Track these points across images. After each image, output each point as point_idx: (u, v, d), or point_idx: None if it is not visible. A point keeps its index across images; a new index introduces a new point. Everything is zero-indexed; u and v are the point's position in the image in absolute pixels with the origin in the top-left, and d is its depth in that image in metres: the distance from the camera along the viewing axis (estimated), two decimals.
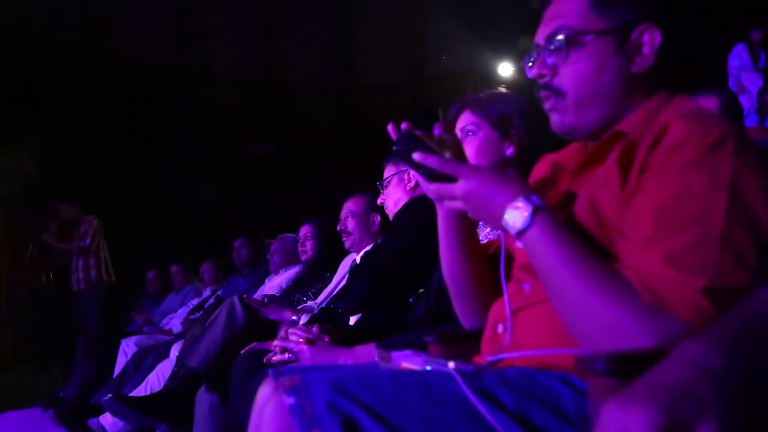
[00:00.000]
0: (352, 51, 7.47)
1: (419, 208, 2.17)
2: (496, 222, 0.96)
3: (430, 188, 1.03)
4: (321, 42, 7.13)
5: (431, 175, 1.01)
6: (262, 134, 7.83)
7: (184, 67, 6.83)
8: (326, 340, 1.73)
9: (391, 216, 2.44)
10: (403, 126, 1.09)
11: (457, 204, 1.00)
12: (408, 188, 2.40)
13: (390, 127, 1.11)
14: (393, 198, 2.41)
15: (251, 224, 6.70)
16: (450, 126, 1.14)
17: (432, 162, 1.00)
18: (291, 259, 4.01)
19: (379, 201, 2.46)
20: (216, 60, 6.93)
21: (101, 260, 6.13)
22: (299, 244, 3.61)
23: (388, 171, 2.45)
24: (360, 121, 7.46)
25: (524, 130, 1.68)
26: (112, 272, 6.22)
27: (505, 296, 1.07)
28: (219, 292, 5.05)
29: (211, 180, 7.73)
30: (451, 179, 0.99)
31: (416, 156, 1.01)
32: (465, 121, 1.69)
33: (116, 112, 6.76)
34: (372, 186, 2.53)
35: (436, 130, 1.11)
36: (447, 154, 1.07)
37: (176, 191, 7.49)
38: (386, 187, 2.43)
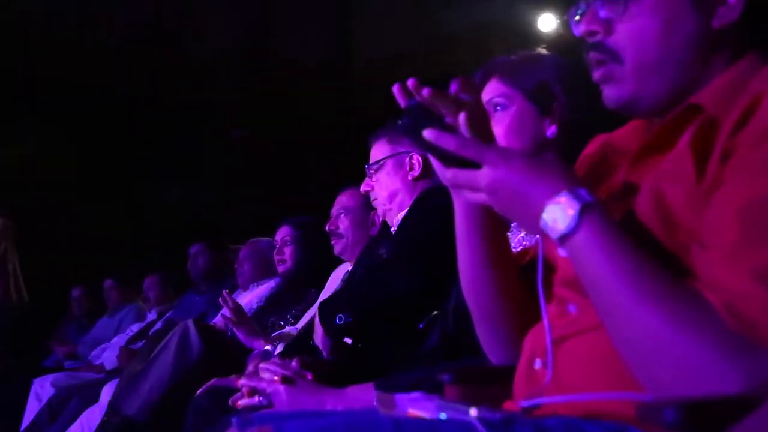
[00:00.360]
0: (350, 14, 7.54)
1: (435, 202, 2.19)
2: (532, 223, 0.97)
3: (446, 175, 1.03)
4: (316, 13, 7.27)
5: (448, 158, 1.01)
6: (241, 117, 7.95)
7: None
8: (309, 377, 1.74)
9: (381, 211, 2.48)
10: (410, 83, 1.08)
11: (481, 197, 1.00)
12: (409, 177, 2.42)
13: (396, 89, 1.10)
14: (386, 188, 2.44)
15: (219, 225, 6.79)
16: (471, 86, 1.13)
17: (448, 142, 1.00)
18: (265, 270, 4.03)
19: (363, 188, 2.50)
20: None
21: (9, 274, 6.15)
22: (275, 251, 3.63)
23: (380, 150, 2.47)
24: (361, 103, 7.53)
25: (569, 103, 1.69)
26: (23, 289, 6.24)
27: (545, 321, 1.07)
28: (168, 315, 5.07)
29: (175, 171, 7.87)
30: (473, 165, 1.00)
31: (428, 134, 1.01)
32: (493, 91, 1.70)
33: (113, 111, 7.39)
34: None
35: (453, 87, 1.10)
36: (464, 122, 1.07)
37: (131, 184, 7.79)
38: (376, 172, 2.45)
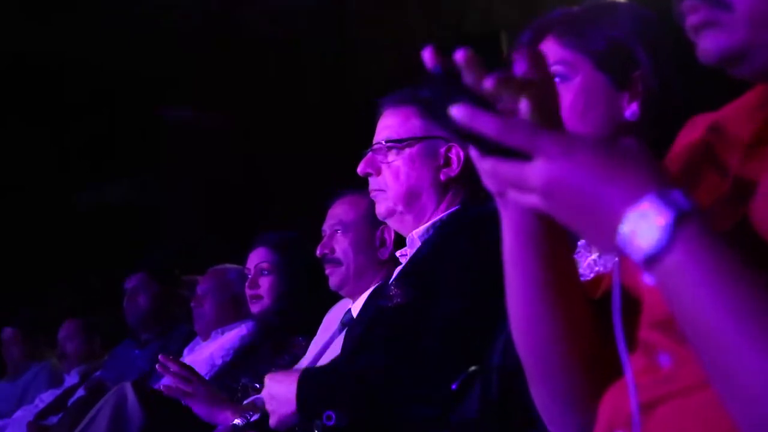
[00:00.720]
0: None
1: (487, 238, 2.20)
2: (606, 238, 0.96)
3: (484, 167, 1.04)
4: None
5: (486, 144, 1.01)
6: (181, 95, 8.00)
7: None
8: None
9: (383, 210, 2.48)
10: (459, 56, 1.06)
11: (532, 199, 1.00)
12: (442, 176, 2.43)
13: (428, 55, 1.08)
14: (405, 180, 2.45)
15: (167, 248, 6.81)
16: (540, 60, 1.12)
17: (487, 123, 0.99)
18: (233, 311, 4.05)
19: (362, 168, 2.52)
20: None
21: None
22: (247, 284, 3.64)
23: (403, 122, 2.47)
24: (362, 74, 7.57)
25: (656, 72, 1.70)
26: None
27: (629, 378, 1.08)
28: (95, 376, 5.07)
29: (104, 166, 7.93)
30: (521, 155, 1.00)
31: (457, 111, 1.01)
32: (549, 57, 1.71)
33: None
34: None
35: (519, 65, 1.09)
36: (528, 111, 1.08)
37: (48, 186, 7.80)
38: (392, 151, 2.46)
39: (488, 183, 1.09)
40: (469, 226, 2.32)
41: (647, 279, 0.97)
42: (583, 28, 1.73)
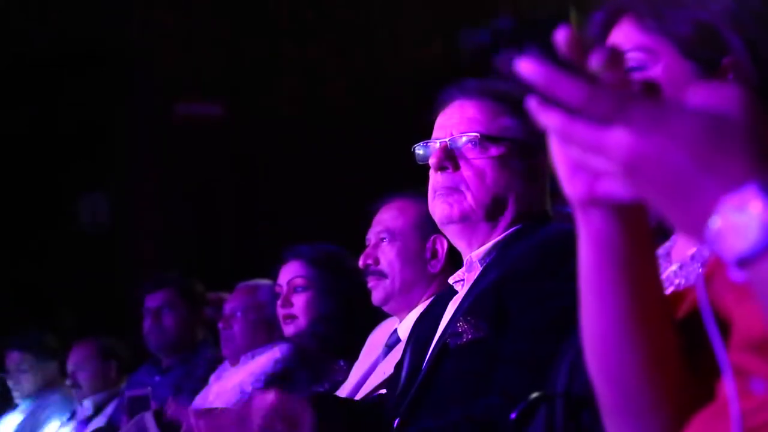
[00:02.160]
0: None
1: (557, 253, 2.20)
2: (695, 228, 0.95)
3: (551, 121, 1.01)
4: None
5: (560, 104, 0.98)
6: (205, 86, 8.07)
7: None
8: None
9: (456, 228, 2.43)
10: (562, 34, 1.01)
11: (607, 168, 0.99)
12: (522, 188, 2.41)
13: (562, 35, 1.04)
14: (488, 189, 2.39)
15: (191, 260, 6.87)
16: (618, 59, 1.10)
17: (568, 86, 0.97)
18: (265, 333, 4.07)
19: (446, 185, 2.44)
20: None
21: None
22: (280, 302, 3.65)
23: (486, 121, 2.44)
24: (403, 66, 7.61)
25: (751, 58, 1.69)
26: None
27: (732, 404, 1.07)
28: (111, 406, 5.10)
29: (117, 178, 7.97)
30: (602, 120, 0.97)
31: (528, 67, 0.98)
32: (625, 42, 1.71)
33: None
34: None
35: (595, 59, 1.06)
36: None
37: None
38: (468, 158, 2.42)
39: (554, 146, 1.08)
40: (539, 247, 2.29)
41: (735, 275, 0.94)
42: (666, 9, 1.72)
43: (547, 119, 1.00)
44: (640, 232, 1.16)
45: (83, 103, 8.04)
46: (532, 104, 1.02)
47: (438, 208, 2.45)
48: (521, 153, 2.42)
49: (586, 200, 1.11)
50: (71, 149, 8.10)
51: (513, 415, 1.84)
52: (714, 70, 1.70)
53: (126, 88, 7.99)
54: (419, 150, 2.49)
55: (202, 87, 8.11)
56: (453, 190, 2.43)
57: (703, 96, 0.97)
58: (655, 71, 1.69)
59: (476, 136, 2.40)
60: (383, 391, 2.79)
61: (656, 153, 0.95)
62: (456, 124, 2.45)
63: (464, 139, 2.41)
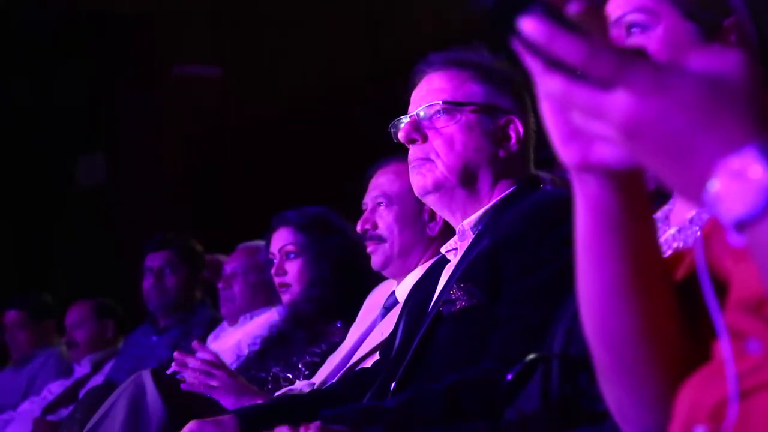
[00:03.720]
0: None
1: (563, 232, 2.20)
2: (694, 191, 0.94)
3: (551, 87, 0.99)
4: None
5: (559, 66, 0.97)
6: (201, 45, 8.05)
7: None
8: None
9: (429, 183, 2.43)
10: None
11: (605, 131, 0.98)
12: (501, 153, 2.42)
13: None
14: (457, 150, 2.40)
15: (184, 221, 6.86)
16: (597, 14, 1.09)
17: (568, 44, 0.96)
18: (264, 294, 4.09)
19: (404, 133, 2.44)
20: None
21: None
22: (274, 271, 3.66)
23: (458, 85, 2.45)
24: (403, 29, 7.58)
25: (753, 19, 1.68)
26: None
27: (729, 364, 1.06)
28: (108, 366, 5.11)
29: (114, 139, 7.96)
30: (601, 82, 0.96)
31: (528, 23, 0.95)
32: (626, 3, 1.70)
33: None
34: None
35: (574, 5, 1.05)
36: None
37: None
38: (444, 116, 2.43)
39: (549, 108, 1.07)
40: (531, 212, 2.29)
41: (734, 240, 0.94)
42: None
43: (549, 83, 0.99)
44: (636, 196, 1.16)
45: (82, 65, 8.03)
46: (535, 68, 1.01)
47: (413, 180, 2.47)
48: (490, 117, 2.43)
49: (581, 166, 1.10)
50: (69, 110, 8.09)
51: (509, 377, 1.86)
52: (715, 31, 1.69)
53: (124, 49, 7.96)
54: (393, 129, 2.51)
55: (201, 48, 8.08)
56: (424, 160, 2.44)
57: (704, 59, 0.97)
58: (656, 33, 1.68)
59: (440, 104, 2.41)
60: (377, 355, 2.80)
61: (656, 116, 0.94)
62: (423, 96, 2.47)
63: (430, 109, 2.42)
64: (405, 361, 2.33)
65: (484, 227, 2.39)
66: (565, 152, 1.09)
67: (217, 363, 2.84)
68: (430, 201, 2.51)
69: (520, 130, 2.42)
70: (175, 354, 2.83)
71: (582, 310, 1.24)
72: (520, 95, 2.46)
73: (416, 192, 2.48)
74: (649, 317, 1.21)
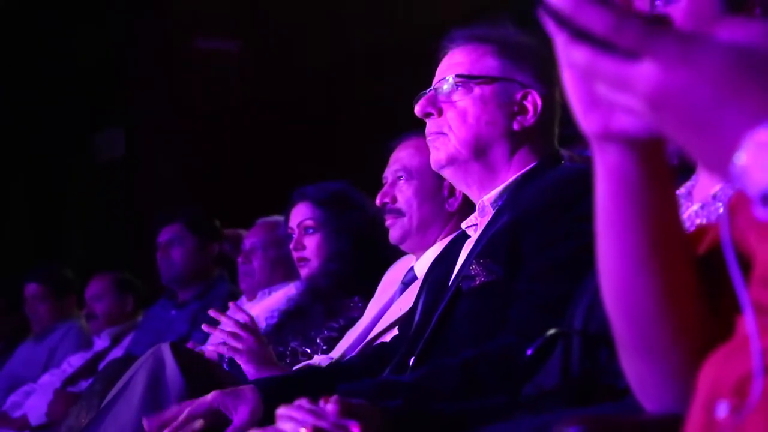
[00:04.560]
0: None
1: (571, 192, 2.19)
2: (721, 163, 0.94)
3: (576, 57, 0.99)
4: None
5: (584, 36, 0.97)
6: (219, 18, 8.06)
7: None
8: (355, 430, 1.78)
9: (442, 157, 2.44)
10: None
11: (631, 103, 0.98)
12: (515, 125, 2.41)
13: None
14: (470, 125, 2.40)
15: (207, 195, 6.89)
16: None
17: (594, 15, 0.95)
18: (283, 269, 4.10)
19: (420, 108, 2.45)
20: None
21: None
22: (292, 246, 3.67)
23: (476, 59, 2.44)
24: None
25: None
26: None
27: (753, 338, 1.06)
28: (128, 339, 5.14)
29: (133, 113, 8.00)
30: (627, 53, 0.95)
31: None
32: None
33: None
34: None
35: None
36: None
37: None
38: (459, 89, 2.42)
39: (571, 78, 1.06)
40: (552, 188, 2.29)
41: (760, 213, 0.93)
42: None
43: (574, 54, 0.99)
44: (657, 167, 1.15)
45: (101, 39, 8.04)
46: (560, 39, 1.01)
47: (430, 155, 2.49)
48: (507, 90, 2.43)
49: (602, 135, 1.10)
50: (87, 84, 8.11)
51: (529, 352, 1.86)
52: (740, 3, 1.68)
53: (143, 22, 7.97)
54: (414, 103, 2.51)
55: (220, 22, 8.09)
56: (438, 134, 2.45)
57: (730, 30, 0.96)
58: (680, 4, 1.67)
59: (455, 77, 2.42)
60: (395, 330, 2.81)
61: (682, 87, 0.93)
62: (442, 71, 2.48)
63: (445, 83, 2.43)
64: (424, 336, 2.34)
65: (504, 203, 2.39)
66: (586, 121, 1.09)
67: (249, 326, 2.85)
68: (447, 175, 2.53)
69: (539, 103, 2.41)
70: (210, 312, 2.84)
71: (602, 282, 1.24)
72: (544, 69, 2.45)
73: (432, 166, 2.50)
74: (669, 289, 1.21)
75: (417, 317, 2.51)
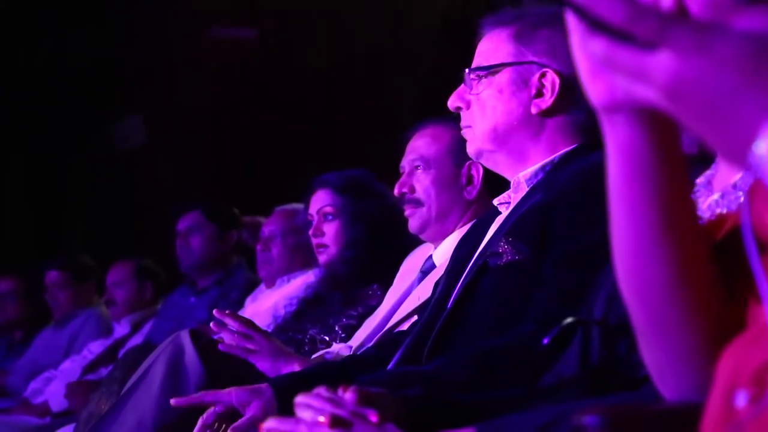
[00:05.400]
0: None
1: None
2: (738, 153, 0.94)
3: (594, 48, 0.99)
4: None
5: (601, 26, 0.96)
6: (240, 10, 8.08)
7: None
8: (373, 419, 1.78)
9: (473, 150, 2.46)
10: None
11: (648, 94, 0.97)
12: (533, 108, 2.39)
13: None
14: (492, 114, 2.39)
15: (223, 185, 6.91)
16: None
17: (611, 5, 0.95)
18: (303, 257, 4.11)
19: (453, 102, 2.46)
20: None
21: None
22: (311, 232, 3.68)
23: (494, 47, 2.43)
24: None
25: None
26: None
27: None
28: (147, 326, 5.17)
29: (141, 101, 8.00)
30: (644, 43, 0.95)
31: None
32: None
33: None
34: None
35: None
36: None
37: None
38: (481, 80, 2.41)
39: (588, 69, 1.06)
40: (586, 173, 2.27)
41: None
42: None
43: (592, 45, 0.99)
44: (668, 143, 1.15)
45: (120, 27, 8.06)
46: (579, 30, 1.01)
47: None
48: (521, 75, 2.41)
49: (609, 106, 1.11)
50: (106, 73, 8.13)
51: (545, 341, 1.85)
52: None
53: (161, 12, 7.98)
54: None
55: (237, 10, 8.10)
56: (467, 128, 2.47)
57: (747, 20, 0.96)
58: None
59: (475, 71, 2.42)
60: (414, 318, 2.81)
61: (699, 76, 0.93)
62: (473, 61, 2.48)
63: (468, 77, 2.43)
64: (445, 311, 2.34)
65: (539, 182, 2.38)
66: (593, 91, 1.09)
67: (253, 327, 2.85)
68: (483, 163, 2.58)
69: (556, 82, 2.38)
70: (216, 312, 2.84)
71: (616, 263, 1.24)
72: (563, 45, 2.43)
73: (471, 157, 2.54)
74: (681, 270, 1.21)
75: (439, 289, 2.51)
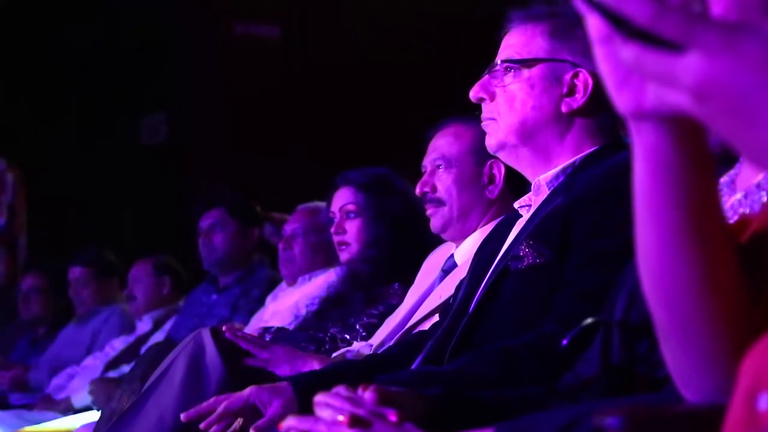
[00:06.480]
0: None
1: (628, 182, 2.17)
2: (763, 151, 0.94)
3: (626, 55, 0.99)
4: None
5: (629, 29, 0.96)
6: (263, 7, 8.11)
7: None
8: (392, 418, 1.77)
9: (494, 144, 2.43)
10: None
11: (679, 99, 0.97)
12: (563, 107, 2.38)
13: None
14: (520, 108, 2.38)
15: (247, 183, 6.93)
16: None
17: (637, 5, 0.95)
18: (324, 255, 4.11)
19: (475, 93, 2.43)
20: None
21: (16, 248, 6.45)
22: (333, 230, 3.68)
23: (526, 41, 2.42)
24: None
25: None
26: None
27: None
28: (169, 323, 5.18)
29: (177, 98, 8.07)
30: (672, 45, 0.95)
31: None
32: None
33: None
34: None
35: None
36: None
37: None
38: (509, 73, 2.40)
39: (615, 73, 1.06)
40: (609, 176, 2.26)
41: None
42: None
43: (622, 51, 0.99)
44: (695, 150, 1.14)
45: (143, 25, 8.09)
46: (607, 38, 1.02)
47: (485, 138, 2.49)
48: (555, 72, 2.40)
49: (635, 113, 1.10)
50: (131, 70, 8.16)
51: (564, 342, 1.85)
52: None
53: (186, 7, 8.01)
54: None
55: (261, 7, 8.12)
56: (490, 120, 2.44)
57: None
58: None
59: (505, 62, 2.40)
60: (435, 318, 2.81)
61: (726, 75, 0.93)
62: (500, 52, 2.46)
63: (496, 68, 2.42)
64: (468, 313, 2.34)
65: (560, 185, 2.37)
66: (619, 99, 1.08)
67: (261, 339, 2.90)
68: (501, 158, 2.55)
69: (589, 82, 2.37)
70: (227, 333, 2.84)
71: (640, 265, 1.24)
72: None
73: (489, 149, 2.50)
74: (706, 274, 1.20)
75: (461, 293, 2.50)
